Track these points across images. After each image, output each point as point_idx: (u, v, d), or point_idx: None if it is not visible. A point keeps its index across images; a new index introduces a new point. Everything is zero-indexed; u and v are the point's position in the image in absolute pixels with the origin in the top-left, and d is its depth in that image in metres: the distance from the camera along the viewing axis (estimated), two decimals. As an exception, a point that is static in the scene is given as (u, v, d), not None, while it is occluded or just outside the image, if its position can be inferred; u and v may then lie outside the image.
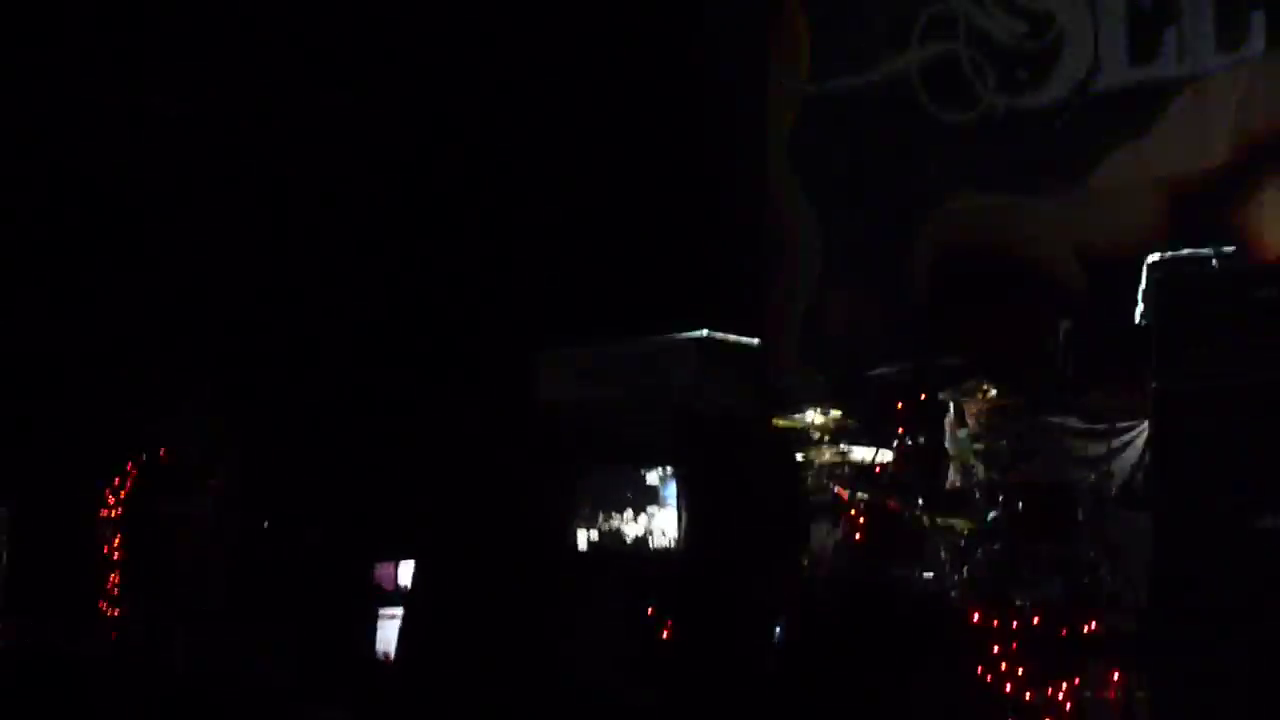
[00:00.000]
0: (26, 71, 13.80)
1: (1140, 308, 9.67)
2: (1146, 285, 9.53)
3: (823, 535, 10.37)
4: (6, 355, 13.99)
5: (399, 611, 14.65)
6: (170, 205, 14.81)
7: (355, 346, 15.21)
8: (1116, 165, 12.69)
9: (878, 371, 11.96)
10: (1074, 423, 10.63)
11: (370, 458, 15.00)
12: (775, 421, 11.60)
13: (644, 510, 5.83)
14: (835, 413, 11.12)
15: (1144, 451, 9.63)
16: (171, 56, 14.67)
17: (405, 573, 14.79)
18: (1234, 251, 10.84)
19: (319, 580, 14.97)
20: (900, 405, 10.32)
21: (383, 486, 14.84)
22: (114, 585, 11.27)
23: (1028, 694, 8.73)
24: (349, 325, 15.23)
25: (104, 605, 11.25)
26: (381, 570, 14.94)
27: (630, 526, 5.77)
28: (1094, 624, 9.66)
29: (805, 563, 10.43)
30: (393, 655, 14.28)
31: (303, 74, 15.67)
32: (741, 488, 4.95)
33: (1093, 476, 10.27)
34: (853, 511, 10.17)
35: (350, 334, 15.23)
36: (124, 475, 10.86)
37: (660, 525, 5.21)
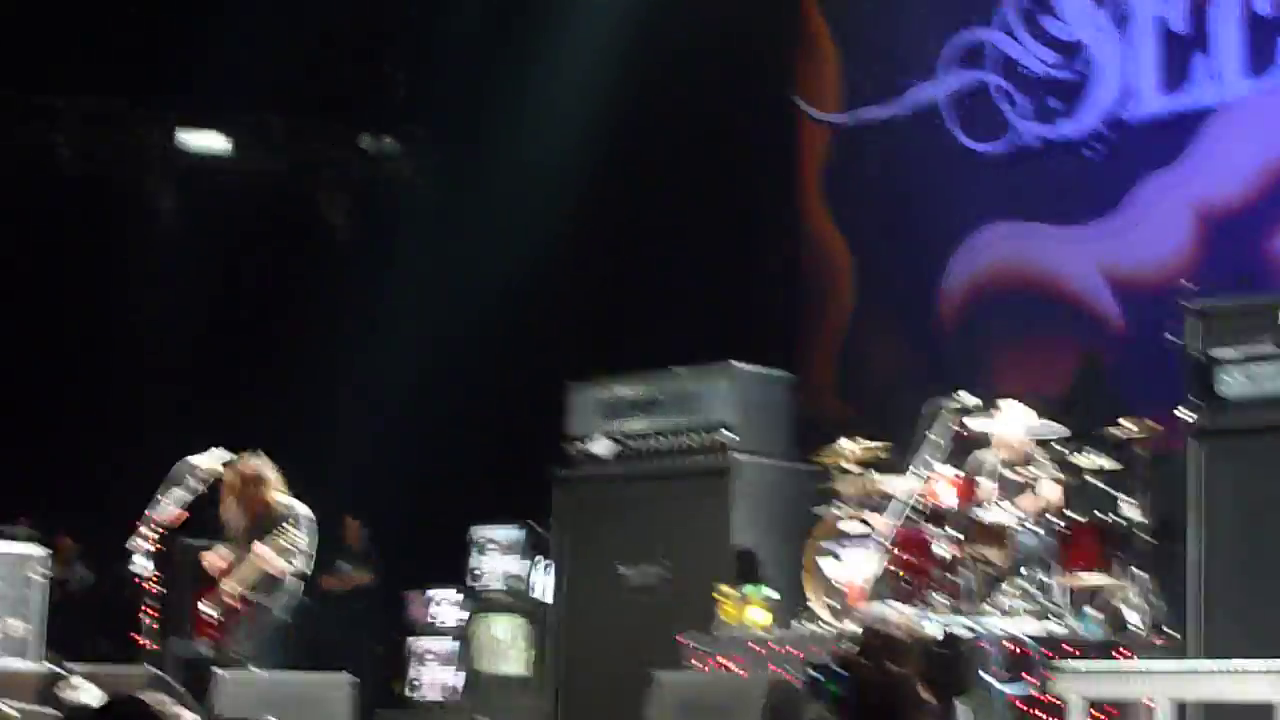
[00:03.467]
0: None
1: (1170, 336, 9.55)
2: (1177, 313, 9.41)
3: (855, 565, 10.29)
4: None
5: (431, 643, 14.68)
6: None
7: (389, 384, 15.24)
8: (1148, 193, 12.59)
9: (909, 401, 11.90)
10: (1105, 452, 10.50)
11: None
12: (810, 454, 11.55)
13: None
14: (868, 443, 11.05)
15: (1175, 482, 9.51)
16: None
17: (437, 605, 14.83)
18: (1264, 278, 10.77)
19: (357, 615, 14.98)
20: (931, 435, 10.21)
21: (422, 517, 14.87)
22: (150, 619, 11.18)
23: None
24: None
25: (137, 638, 11.17)
26: (413, 602, 14.95)
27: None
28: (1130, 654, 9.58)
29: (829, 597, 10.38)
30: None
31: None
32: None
33: (1126, 508, 10.16)
34: (888, 543, 10.08)
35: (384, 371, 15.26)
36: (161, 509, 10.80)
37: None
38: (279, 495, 10.89)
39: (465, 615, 14.28)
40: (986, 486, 10.61)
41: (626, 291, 15.05)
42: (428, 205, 16.01)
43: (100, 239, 15.45)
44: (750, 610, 10.87)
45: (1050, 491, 10.49)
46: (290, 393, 14.96)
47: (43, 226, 15.60)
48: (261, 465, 10.90)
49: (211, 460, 10.88)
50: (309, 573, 11.09)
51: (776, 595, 10.99)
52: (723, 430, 11.82)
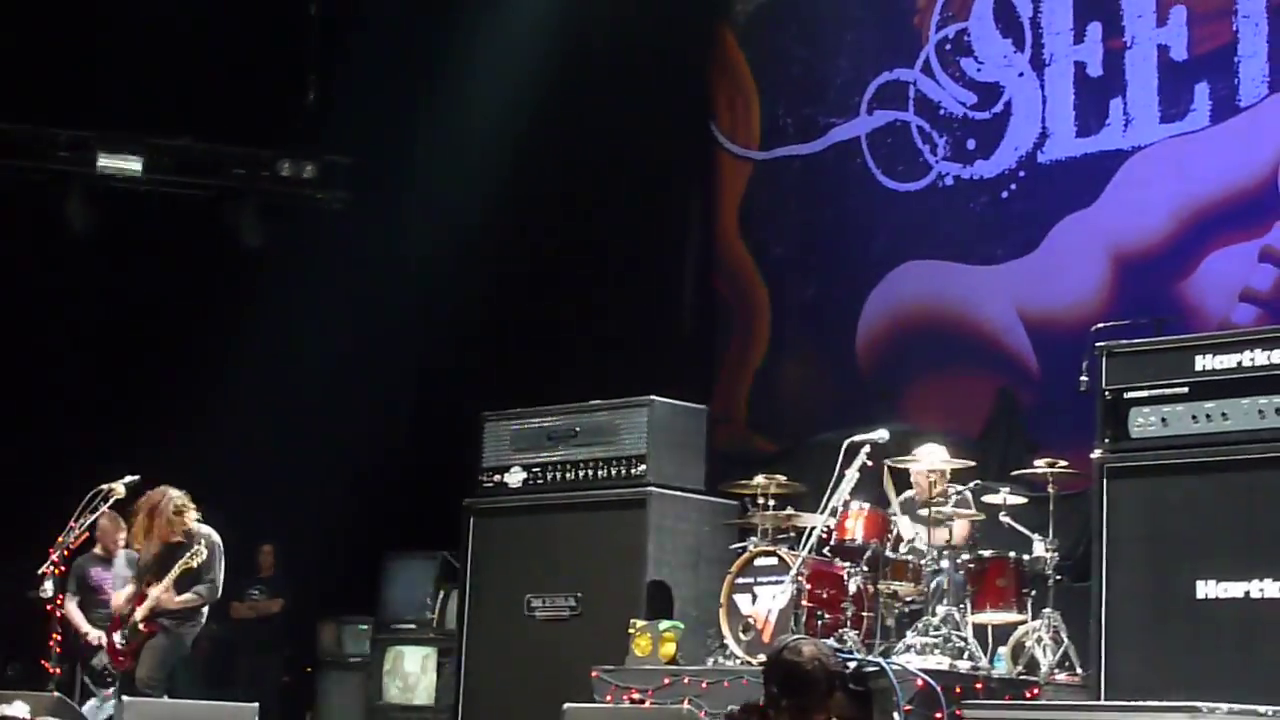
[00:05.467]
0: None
1: (1084, 377, 9.71)
2: (1090, 354, 9.58)
3: (768, 600, 10.35)
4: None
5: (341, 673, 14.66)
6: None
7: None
8: (1064, 235, 12.75)
9: (825, 437, 11.99)
10: (1018, 491, 10.64)
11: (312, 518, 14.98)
12: (724, 487, 11.63)
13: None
14: (782, 478, 11.13)
15: (1086, 521, 9.66)
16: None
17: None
18: (1176, 321, 10.94)
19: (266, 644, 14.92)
20: (847, 471, 10.31)
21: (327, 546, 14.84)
22: (55, 644, 11.17)
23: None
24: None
25: (45, 663, 11.16)
26: (323, 631, 14.93)
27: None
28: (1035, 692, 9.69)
29: (743, 632, 10.45)
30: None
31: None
32: None
33: (1037, 546, 10.28)
34: (799, 576, 10.15)
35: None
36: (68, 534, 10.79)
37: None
38: (190, 524, 10.92)
39: (375, 645, 14.29)
40: (899, 522, 10.73)
41: (544, 322, 15.06)
42: (343, 230, 15.98)
43: (12, 261, 15.35)
44: (662, 644, 10.92)
45: (962, 529, 10.61)
46: (204, 417, 14.89)
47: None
48: (174, 494, 10.92)
49: (123, 486, 10.91)
50: (217, 598, 11.11)
51: (681, 626, 11.06)
52: (638, 463, 11.86)
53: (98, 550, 11.73)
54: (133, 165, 15.55)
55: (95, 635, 11.22)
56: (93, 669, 11.26)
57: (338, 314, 15.47)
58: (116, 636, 10.87)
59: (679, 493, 11.86)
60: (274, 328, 15.23)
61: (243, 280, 15.72)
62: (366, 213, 16.09)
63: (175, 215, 15.87)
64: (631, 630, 11.01)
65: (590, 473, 12.11)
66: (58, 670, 11.02)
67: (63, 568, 11.01)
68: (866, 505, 10.60)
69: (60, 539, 10.82)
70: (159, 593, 10.71)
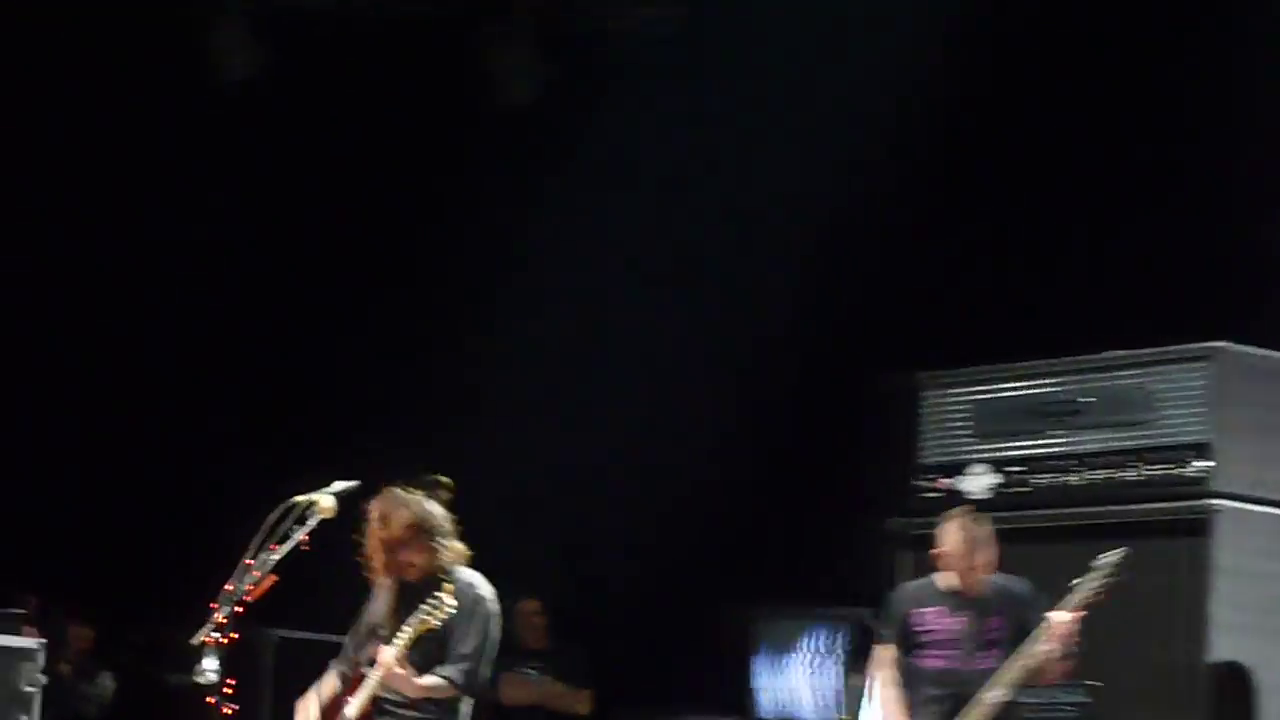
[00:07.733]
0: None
1: None
2: None
3: None
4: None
5: None
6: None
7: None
8: None
9: None
10: None
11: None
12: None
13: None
14: None
15: None
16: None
17: None
18: None
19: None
20: None
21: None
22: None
23: None
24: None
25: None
26: None
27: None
28: None
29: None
30: None
31: None
32: None
33: None
34: None
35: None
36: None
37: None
38: (446, 553, 10.90)
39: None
40: None
41: (1002, 224, 15.04)
42: (665, 73, 16.07)
43: (146, 125, 15.72)
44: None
45: None
46: (448, 390, 15.14)
47: (56, 122, 15.98)
48: (412, 504, 10.94)
49: (330, 497, 10.92)
50: (479, 687, 11.09)
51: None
52: (1194, 455, 11.79)
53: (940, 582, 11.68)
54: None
55: None
56: None
57: (661, 214, 15.76)
58: None
59: (1271, 509, 11.76)
60: (555, 239, 15.41)
61: (500, 151, 15.95)
62: (704, 44, 16.18)
63: (392, 53, 16.10)
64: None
65: (1108, 474, 12.15)
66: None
67: (234, 634, 11.02)
68: None
69: (229, 587, 10.83)
70: (388, 660, 10.72)
